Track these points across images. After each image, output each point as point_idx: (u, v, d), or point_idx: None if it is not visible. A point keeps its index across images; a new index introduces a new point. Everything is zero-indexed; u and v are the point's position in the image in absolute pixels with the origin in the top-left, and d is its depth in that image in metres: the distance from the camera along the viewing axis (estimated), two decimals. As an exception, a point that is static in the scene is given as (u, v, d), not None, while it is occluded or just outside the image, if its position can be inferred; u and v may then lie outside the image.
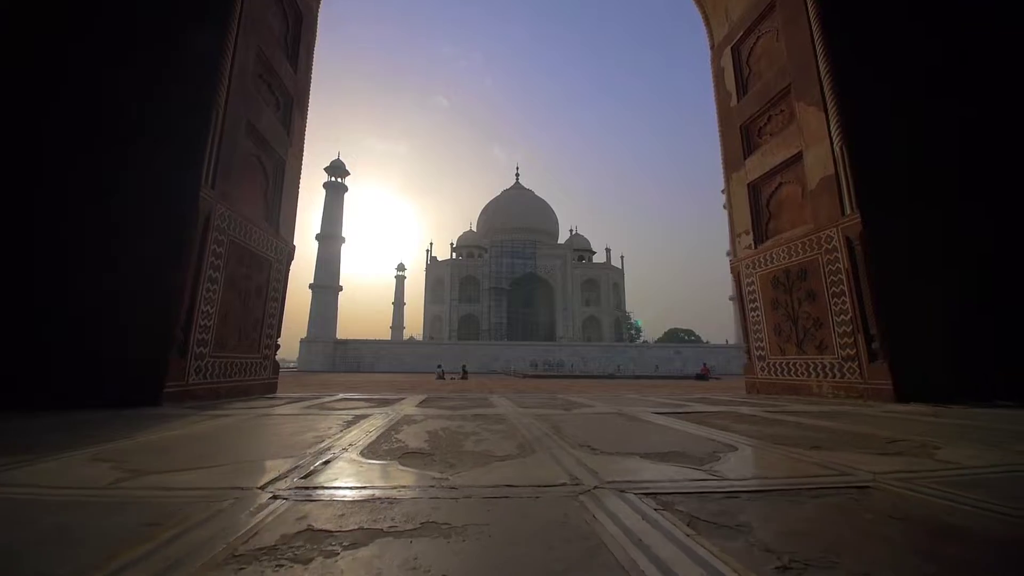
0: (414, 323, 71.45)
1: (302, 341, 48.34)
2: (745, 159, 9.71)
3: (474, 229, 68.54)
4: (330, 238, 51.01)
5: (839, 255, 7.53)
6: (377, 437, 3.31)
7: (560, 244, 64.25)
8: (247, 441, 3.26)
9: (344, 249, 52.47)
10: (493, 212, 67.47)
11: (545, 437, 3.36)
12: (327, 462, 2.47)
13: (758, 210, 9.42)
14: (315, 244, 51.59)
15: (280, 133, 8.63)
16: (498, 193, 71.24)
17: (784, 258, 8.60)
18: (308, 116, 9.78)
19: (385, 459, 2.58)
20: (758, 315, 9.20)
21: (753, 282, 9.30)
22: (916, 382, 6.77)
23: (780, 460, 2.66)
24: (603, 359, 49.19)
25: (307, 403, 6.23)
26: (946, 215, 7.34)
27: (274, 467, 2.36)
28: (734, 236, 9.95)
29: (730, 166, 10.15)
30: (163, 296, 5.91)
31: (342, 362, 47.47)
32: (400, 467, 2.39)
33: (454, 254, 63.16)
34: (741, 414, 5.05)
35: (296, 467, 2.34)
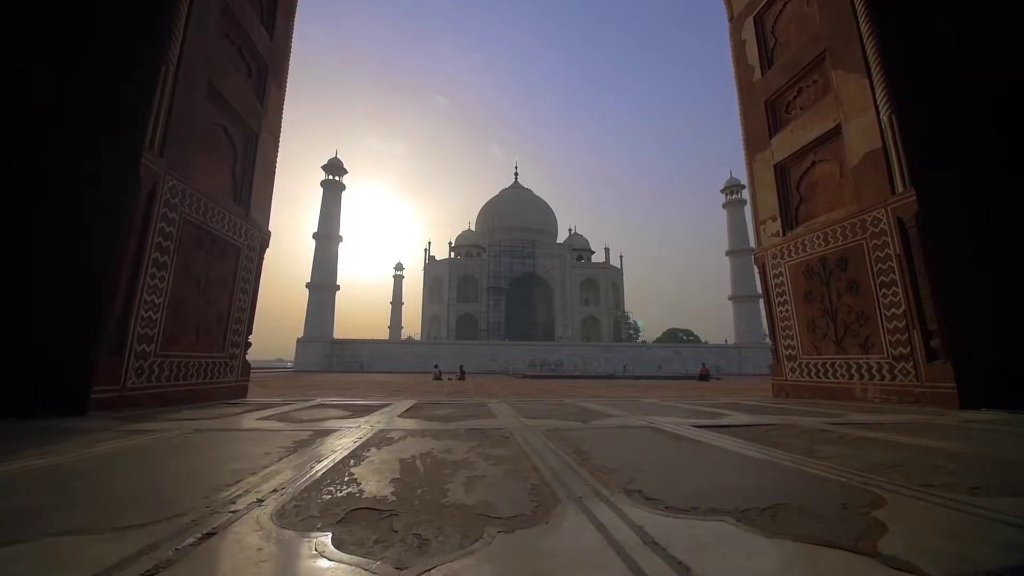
0: (412, 323, 70.30)
1: (298, 341, 47.08)
2: (771, 138, 8.66)
3: (473, 228, 67.39)
4: (327, 237, 49.79)
5: (889, 239, 6.48)
6: (324, 473, 2.23)
7: (559, 244, 63.15)
8: (123, 482, 2.17)
9: (342, 248, 51.32)
10: (492, 211, 66.32)
11: (568, 471, 2.29)
12: (203, 538, 1.39)
13: (787, 193, 8.37)
14: (312, 243, 50.41)
15: (252, 104, 7.54)
16: (497, 192, 70.14)
17: (820, 245, 7.54)
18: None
19: (312, 528, 1.50)
20: (787, 310, 8.15)
21: (781, 273, 8.25)
22: (983, 385, 5.74)
23: (971, 526, 1.58)
24: (602, 359, 48.11)
25: (270, 411, 5.14)
26: (1014, 193, 6.31)
27: (101, 555, 1.28)
28: (758, 223, 8.90)
29: (753, 147, 9.09)
30: (92, 282, 4.81)
31: (339, 362, 46.27)
32: (330, 553, 1.31)
33: (452, 253, 61.98)
34: (804, 428, 3.98)
35: (139, 554, 1.26)
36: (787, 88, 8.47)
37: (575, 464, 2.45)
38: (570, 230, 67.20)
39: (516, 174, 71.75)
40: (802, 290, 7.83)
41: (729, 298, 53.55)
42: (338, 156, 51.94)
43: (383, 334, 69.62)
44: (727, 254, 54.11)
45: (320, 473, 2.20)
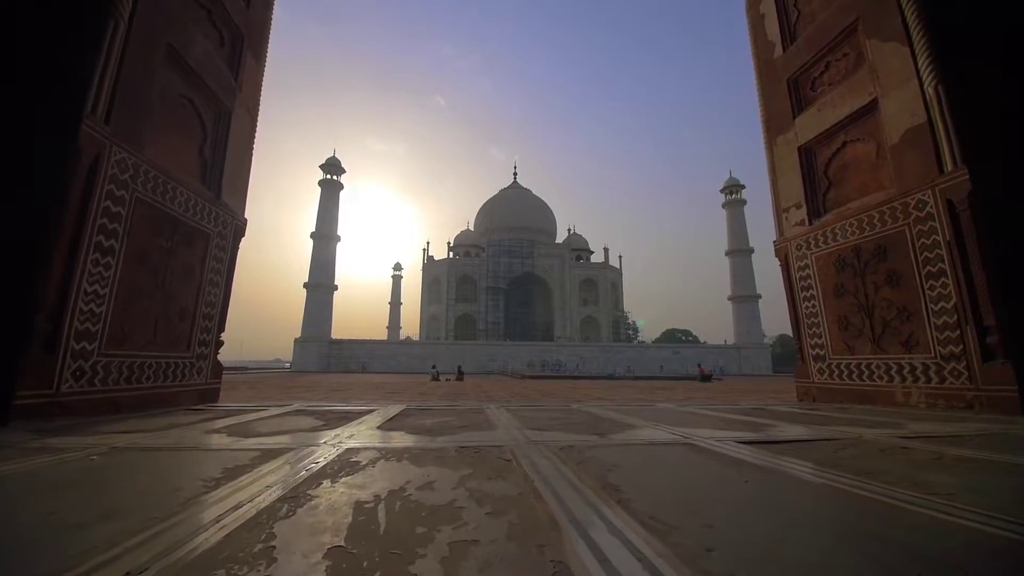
0: (411, 323, 69.29)
1: (296, 341, 46.21)
2: (795, 118, 7.88)
3: (471, 228, 66.48)
4: (325, 236, 48.92)
5: (937, 224, 5.71)
6: (221, 541, 1.42)
7: (558, 243, 62.28)
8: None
9: (341, 249, 50.48)
10: (491, 211, 65.44)
11: (601, 526, 1.49)
12: None
13: (813, 178, 7.58)
14: (310, 242, 49.54)
15: (224, 76, 6.74)
16: (496, 192, 69.27)
17: (853, 233, 6.76)
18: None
19: None
20: (814, 306, 7.36)
21: (808, 265, 7.46)
22: (1050, 389, 4.96)
23: None
24: (602, 359, 47.31)
25: (231, 421, 4.33)
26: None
27: None
28: (779, 212, 8.11)
29: (773, 129, 8.31)
30: (17, 268, 4.01)
31: (337, 362, 45.42)
32: None
33: (451, 253, 61.09)
34: (878, 445, 3.18)
35: None
36: (813, 63, 7.69)
37: (609, 511, 1.65)
38: (569, 230, 66.43)
39: (515, 174, 70.97)
40: (832, 283, 7.04)
41: (729, 298, 52.78)
42: (336, 155, 51.10)
43: (382, 335, 68.73)
44: (727, 254, 53.34)
45: (213, 541, 1.40)
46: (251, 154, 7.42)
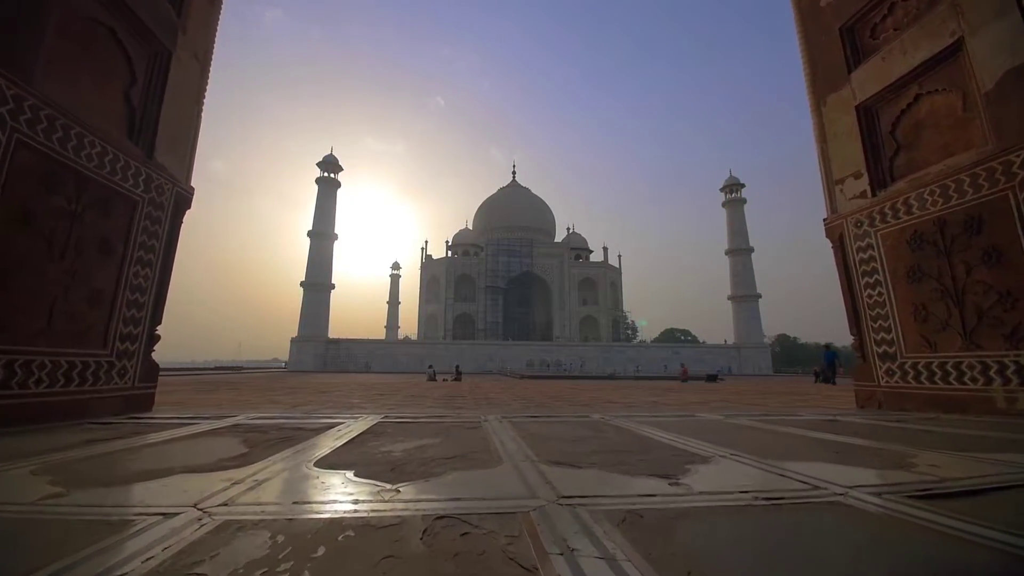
0: (409, 323, 67.68)
1: (292, 340, 44.73)
2: (850, 72, 6.54)
3: (470, 227, 64.94)
4: (322, 235, 47.41)
5: (1061, 185, 4.36)
6: None
7: (557, 243, 60.83)
8: None
9: (339, 248, 49.12)
10: (489, 210, 63.96)
11: None
12: None
13: (876, 141, 6.24)
14: (307, 241, 48.06)
15: (162, 8, 5.36)
16: (495, 191, 67.82)
17: (934, 203, 5.42)
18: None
19: None
20: (880, 294, 6.01)
21: (871, 245, 6.11)
22: None
23: None
24: (602, 359, 46.00)
25: (118, 446, 2.96)
26: None
27: None
28: (830, 185, 6.76)
29: (822, 87, 6.97)
30: None
31: (334, 362, 43.98)
32: None
33: (450, 252, 59.58)
34: None
35: None
36: (872, 7, 6.37)
37: None
38: (568, 229, 65.09)
39: (514, 173, 69.64)
40: (905, 266, 5.70)
41: (728, 298, 51.53)
42: (333, 153, 49.67)
43: (381, 334, 67.18)
44: (726, 253, 52.10)
45: None
46: (200, 112, 6.03)
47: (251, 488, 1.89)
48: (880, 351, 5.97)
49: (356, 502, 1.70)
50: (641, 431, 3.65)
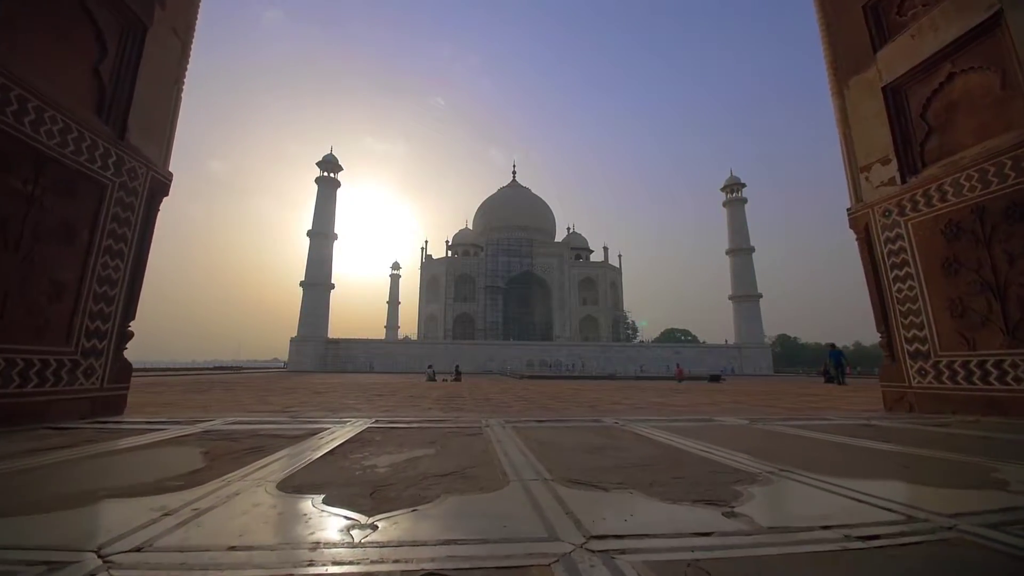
0: (410, 323, 67.10)
1: (292, 340, 44.25)
2: (876, 52, 6.10)
3: (470, 227, 64.40)
4: (322, 234, 46.92)
5: (1124, 165, 3.91)
6: None
7: (557, 242, 60.27)
8: None
9: (339, 248, 48.66)
10: (490, 210, 63.43)
11: None
12: None
13: (906, 123, 5.79)
14: (306, 240, 47.59)
15: (136, -23, 4.91)
16: (495, 191, 67.32)
17: (972, 189, 4.98)
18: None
19: None
20: (911, 287, 5.56)
21: (901, 236, 5.66)
22: None
23: None
24: (602, 359, 45.51)
25: (62, 456, 2.51)
26: None
27: None
28: (854, 173, 6.31)
29: (845, 69, 6.52)
30: None
31: (334, 362, 43.51)
32: None
33: (450, 252, 59.06)
34: None
35: None
36: (899, -18, 5.92)
37: None
38: (568, 229, 64.64)
39: (514, 172, 69.14)
40: (939, 257, 5.25)
41: (729, 298, 51.05)
42: (333, 152, 49.22)
43: (381, 334, 66.66)
44: (727, 253, 51.64)
45: None
46: (180, 93, 5.58)
47: (183, 523, 1.43)
48: (911, 349, 5.51)
49: (315, 547, 1.25)
50: (664, 439, 3.20)
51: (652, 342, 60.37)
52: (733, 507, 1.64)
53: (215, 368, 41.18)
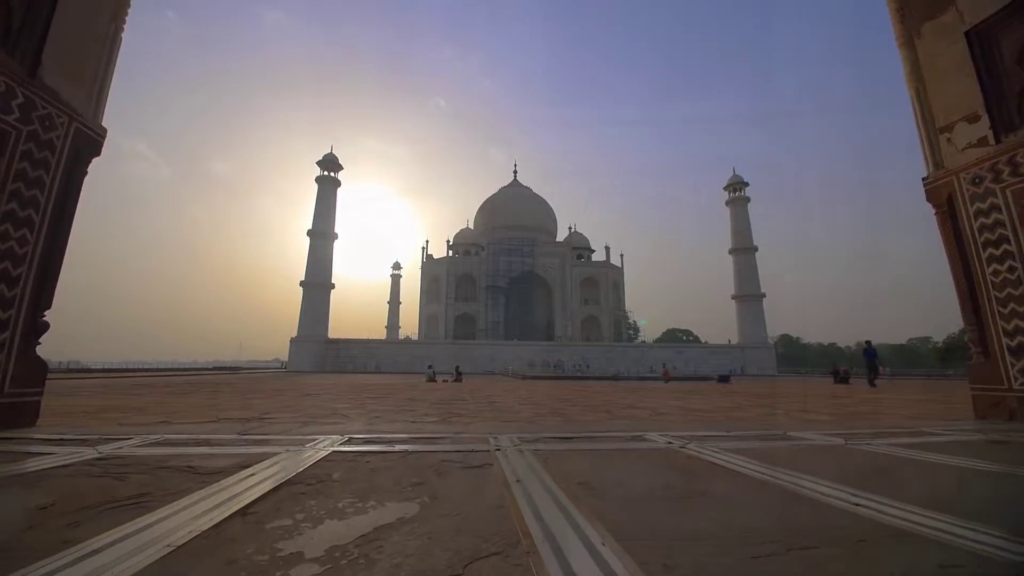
0: (410, 323, 65.99)
1: (292, 340, 43.20)
2: (957, -10, 5.02)
3: (471, 227, 63.18)
4: (321, 234, 45.85)
5: None
6: None
7: (559, 242, 59.05)
8: None
9: (340, 248, 47.63)
10: (491, 209, 62.23)
11: None
12: None
13: (998, 73, 4.72)
14: (307, 240, 46.56)
15: None
16: (496, 191, 66.17)
17: (1103, 143, 3.90)
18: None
19: None
20: (1011, 268, 4.48)
21: (996, 206, 4.59)
22: None
23: None
24: (604, 359, 44.33)
25: None
26: None
27: None
28: (930, 134, 5.23)
29: (915, 14, 5.44)
30: None
31: (334, 362, 42.42)
32: None
33: (451, 252, 57.88)
34: None
35: None
36: (986, -94, 4.85)
37: None
38: (570, 228, 63.43)
39: (515, 172, 68.04)
40: (1053, 230, 4.18)
41: (732, 297, 49.95)
42: (333, 152, 48.21)
43: (381, 334, 65.55)
44: (730, 252, 50.54)
45: None
46: (119, 32, 4.51)
47: None
48: (1013, 344, 4.43)
49: None
50: (764, 474, 2.13)
51: (654, 342, 59.26)
52: None
53: (214, 368, 40.14)
